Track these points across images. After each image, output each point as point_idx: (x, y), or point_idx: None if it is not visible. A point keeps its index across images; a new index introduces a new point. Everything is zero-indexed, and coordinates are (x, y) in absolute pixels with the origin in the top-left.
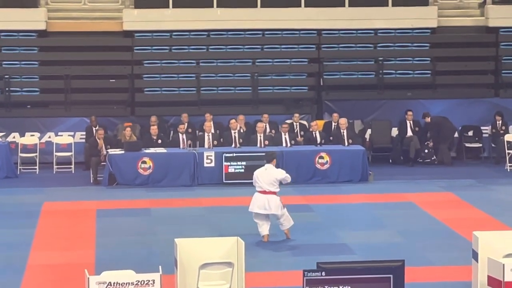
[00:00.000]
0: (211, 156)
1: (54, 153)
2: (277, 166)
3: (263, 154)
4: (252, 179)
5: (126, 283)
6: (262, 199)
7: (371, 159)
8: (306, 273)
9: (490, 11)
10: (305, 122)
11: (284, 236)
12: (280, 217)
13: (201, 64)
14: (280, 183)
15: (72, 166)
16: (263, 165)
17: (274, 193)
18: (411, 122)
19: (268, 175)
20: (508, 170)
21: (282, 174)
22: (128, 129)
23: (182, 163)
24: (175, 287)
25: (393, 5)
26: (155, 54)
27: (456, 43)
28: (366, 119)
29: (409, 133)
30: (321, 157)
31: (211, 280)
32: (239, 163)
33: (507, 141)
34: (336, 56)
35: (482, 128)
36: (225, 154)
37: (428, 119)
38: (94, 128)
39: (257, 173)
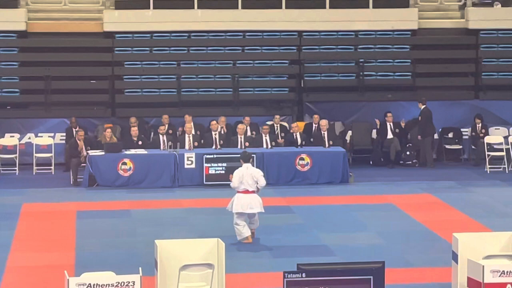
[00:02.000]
0: (192, 157)
1: (34, 154)
2: (257, 168)
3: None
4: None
5: (106, 285)
6: (246, 199)
7: (351, 160)
8: (286, 274)
9: (470, 13)
10: (285, 124)
11: (252, 237)
12: (254, 216)
13: (181, 65)
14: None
15: (52, 167)
16: (241, 166)
17: (254, 192)
18: (391, 124)
19: (251, 175)
20: (488, 172)
21: (261, 173)
22: (109, 130)
23: (162, 164)
24: None
25: (373, 7)
26: (136, 55)
27: (437, 45)
28: (347, 120)
29: (390, 135)
30: (302, 159)
31: (192, 282)
32: (219, 164)
33: (487, 143)
34: (317, 58)
35: (462, 130)
36: (205, 156)
37: (421, 106)
38: (74, 129)
39: (242, 173)
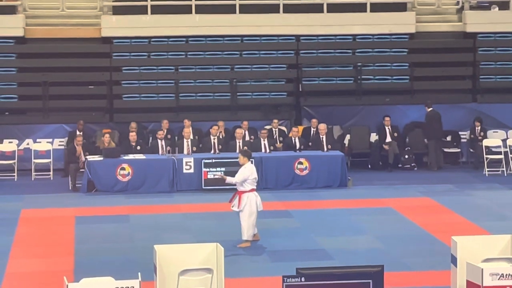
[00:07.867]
0: (190, 162)
1: (33, 160)
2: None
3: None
4: None
5: None
6: (257, 197)
7: (350, 164)
8: (285, 278)
9: (468, 16)
10: (284, 128)
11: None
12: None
13: (179, 70)
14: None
15: (51, 173)
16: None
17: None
18: (389, 127)
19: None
20: (487, 175)
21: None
22: (107, 135)
23: (161, 169)
24: None
25: (371, 11)
26: (134, 60)
27: (434, 49)
28: (345, 124)
29: (388, 138)
30: (300, 163)
31: (191, 287)
32: (218, 169)
33: (486, 146)
34: (315, 62)
35: (460, 133)
36: (204, 160)
37: (428, 109)
38: (79, 133)
39: (251, 171)
